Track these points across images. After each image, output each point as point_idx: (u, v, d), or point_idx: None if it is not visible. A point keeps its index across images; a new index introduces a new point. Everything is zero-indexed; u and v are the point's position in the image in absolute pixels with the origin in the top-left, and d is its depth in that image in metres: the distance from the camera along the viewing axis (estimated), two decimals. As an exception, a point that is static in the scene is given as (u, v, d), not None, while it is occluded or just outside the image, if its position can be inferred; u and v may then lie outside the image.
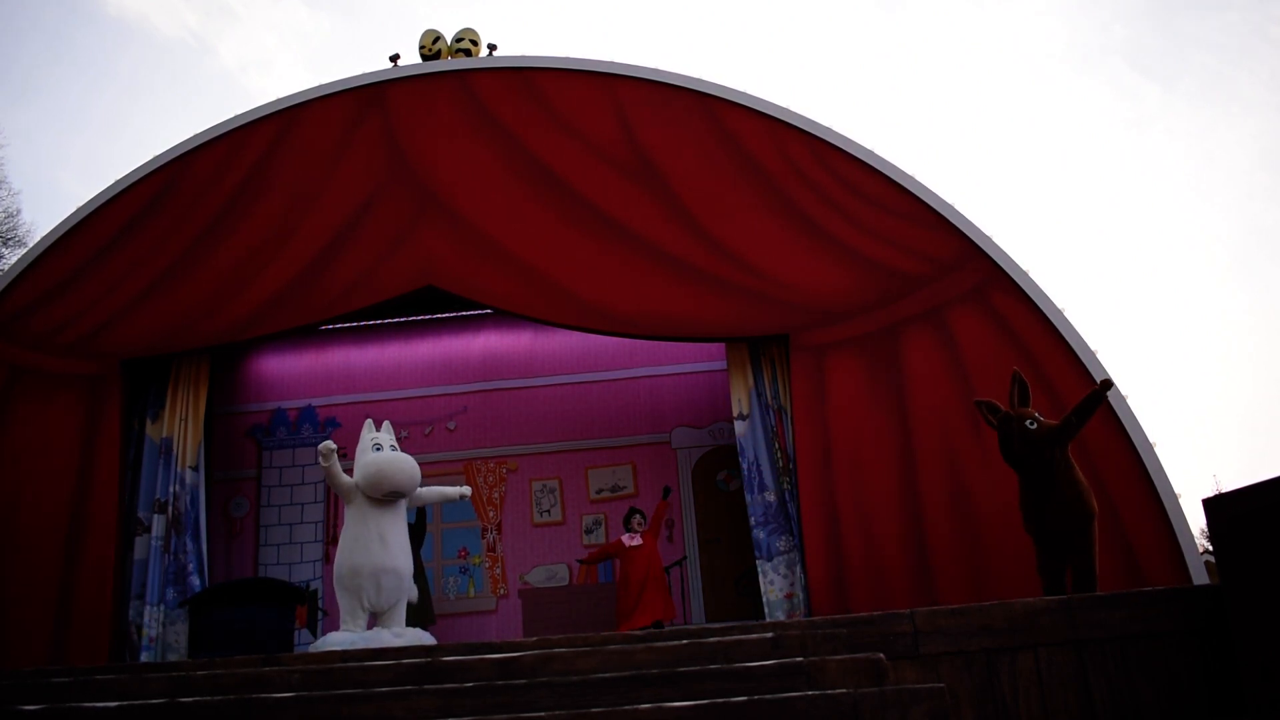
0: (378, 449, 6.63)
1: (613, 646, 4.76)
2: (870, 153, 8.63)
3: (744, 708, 3.74)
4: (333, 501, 10.48)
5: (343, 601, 6.51)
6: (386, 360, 10.98)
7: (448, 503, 7.26)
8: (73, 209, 9.24)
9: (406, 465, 6.55)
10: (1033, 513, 6.20)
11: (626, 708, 3.84)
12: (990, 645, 4.77)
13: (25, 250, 9.76)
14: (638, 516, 8.96)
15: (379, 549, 6.41)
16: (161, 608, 8.31)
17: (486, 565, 10.24)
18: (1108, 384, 6.36)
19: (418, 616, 7.75)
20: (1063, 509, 6.06)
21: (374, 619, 6.58)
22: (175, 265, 8.92)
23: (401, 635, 6.23)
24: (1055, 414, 7.71)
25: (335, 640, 6.20)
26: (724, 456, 10.10)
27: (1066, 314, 7.96)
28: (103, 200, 9.21)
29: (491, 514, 10.41)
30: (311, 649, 6.37)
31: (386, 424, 7.06)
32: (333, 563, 6.74)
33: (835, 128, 8.72)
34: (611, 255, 8.55)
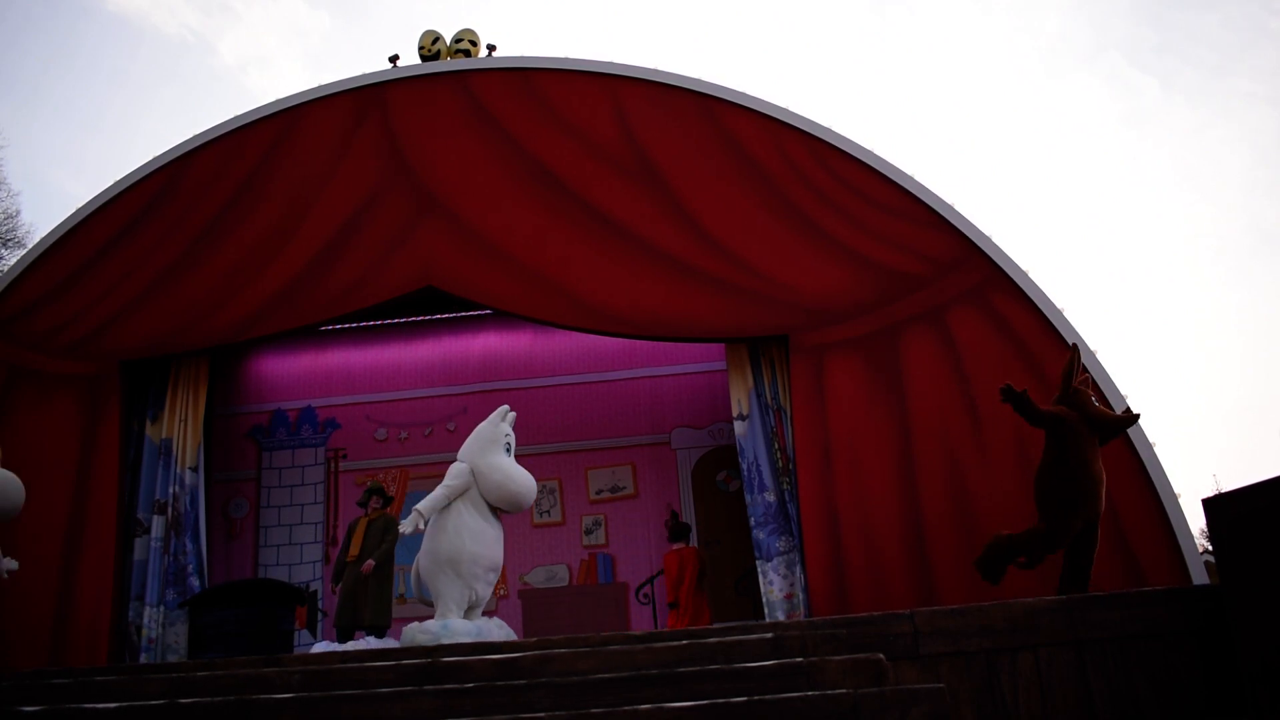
0: (508, 449, 6.56)
1: (613, 647, 4.76)
2: (869, 153, 8.63)
3: (744, 708, 3.74)
4: (332, 502, 10.48)
5: (449, 589, 6.28)
6: (386, 361, 10.98)
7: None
8: (72, 210, 9.25)
9: (533, 487, 6.56)
10: (1071, 496, 5.95)
11: (626, 708, 3.84)
12: (990, 645, 4.78)
13: (25, 251, 9.76)
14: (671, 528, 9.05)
15: (495, 545, 6.40)
16: (161, 608, 8.31)
17: (486, 566, 10.23)
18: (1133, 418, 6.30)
19: (380, 618, 7.80)
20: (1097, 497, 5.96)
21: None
22: (175, 266, 8.92)
23: (484, 628, 6.25)
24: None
25: (457, 628, 6.08)
26: (724, 457, 10.09)
27: (1066, 314, 7.96)
28: (102, 201, 9.21)
29: (491, 514, 10.41)
30: (410, 638, 6.13)
31: (511, 416, 6.83)
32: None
33: (834, 128, 8.72)
34: (611, 256, 8.55)
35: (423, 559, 6.51)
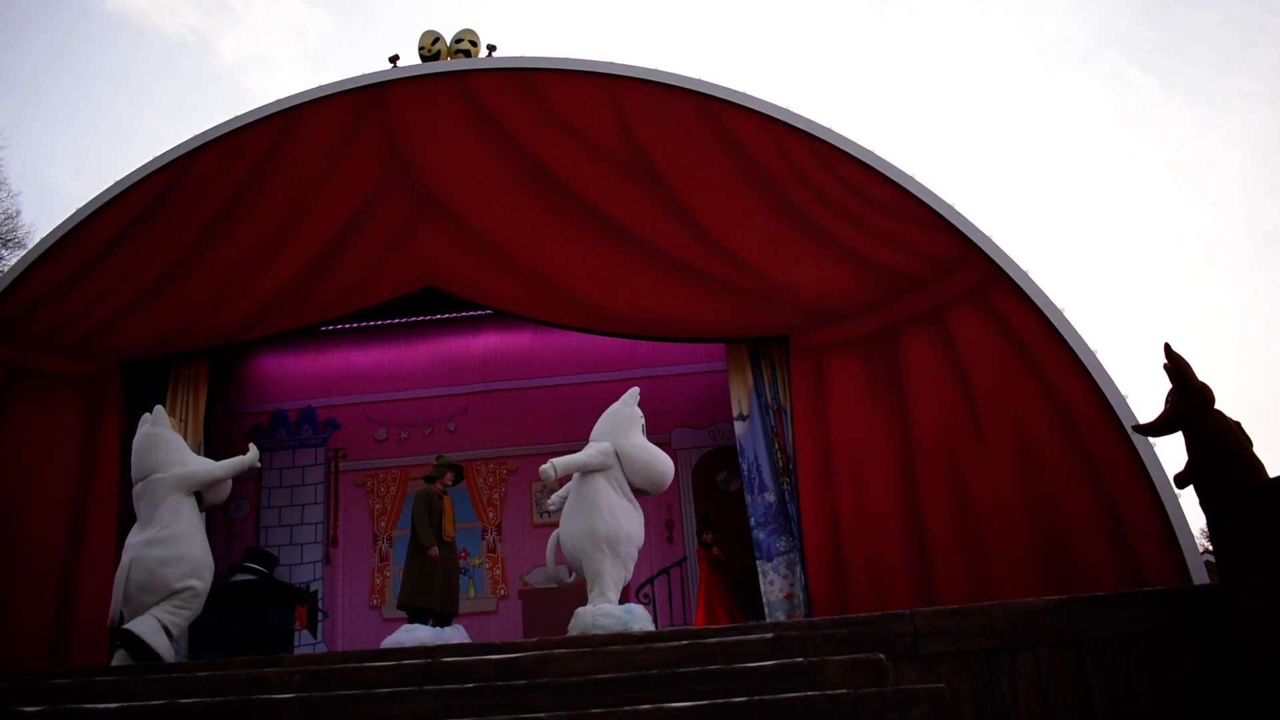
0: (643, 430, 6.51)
1: (613, 647, 4.76)
2: (869, 153, 8.63)
3: (744, 708, 3.74)
4: (332, 503, 10.48)
5: (610, 571, 6.16)
6: (386, 361, 10.98)
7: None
8: (72, 210, 9.26)
9: (672, 469, 6.57)
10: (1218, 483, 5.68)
11: (627, 708, 3.85)
12: (990, 645, 4.78)
13: (25, 252, 9.77)
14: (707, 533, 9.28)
15: (642, 527, 6.31)
16: (161, 609, 8.30)
17: (487, 566, 10.24)
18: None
19: (449, 606, 7.62)
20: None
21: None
22: (175, 266, 8.92)
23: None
24: (1055, 413, 7.72)
25: (639, 613, 5.99)
26: (724, 457, 10.09)
27: (1066, 313, 7.96)
28: (103, 201, 9.22)
29: (491, 515, 10.41)
30: (586, 624, 5.94)
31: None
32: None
33: (834, 128, 8.73)
34: (611, 256, 8.55)
35: (574, 540, 6.26)
